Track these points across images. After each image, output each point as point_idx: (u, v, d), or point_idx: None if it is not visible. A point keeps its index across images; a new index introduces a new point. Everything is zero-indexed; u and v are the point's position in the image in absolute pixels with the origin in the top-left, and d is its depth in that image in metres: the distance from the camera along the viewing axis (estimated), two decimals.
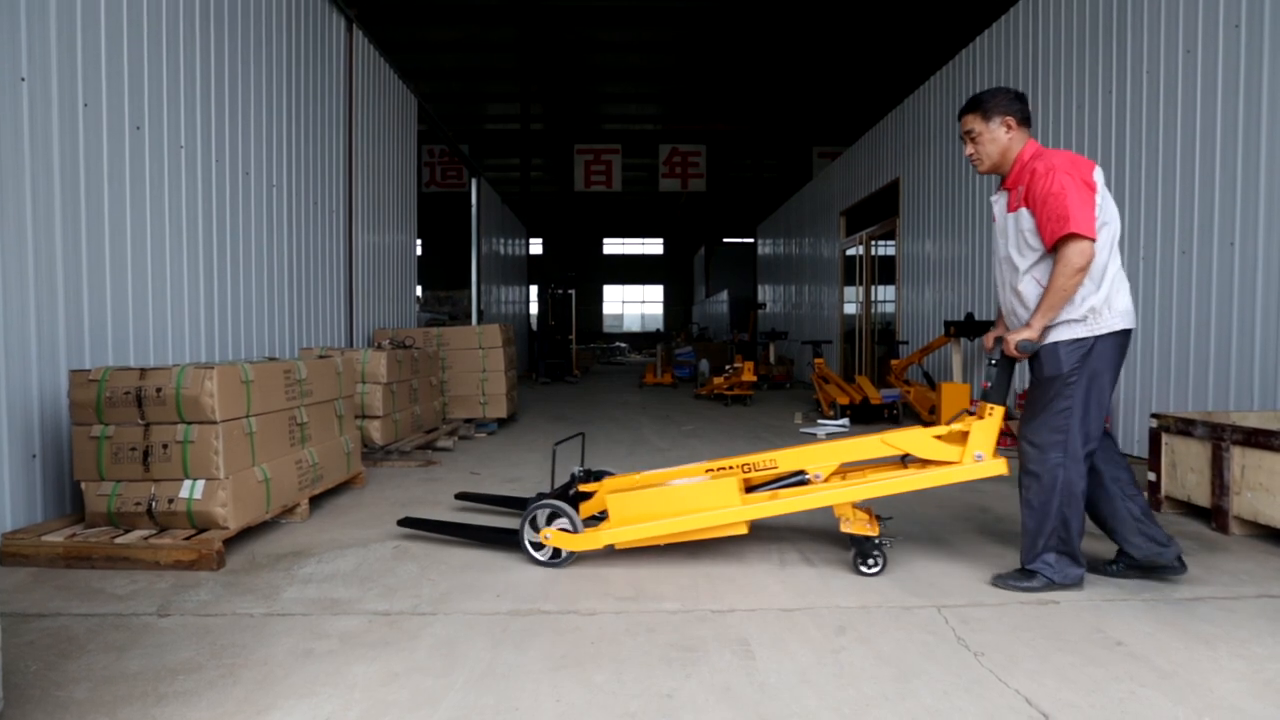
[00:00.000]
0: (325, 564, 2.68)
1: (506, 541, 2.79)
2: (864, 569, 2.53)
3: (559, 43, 14.72)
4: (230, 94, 4.38)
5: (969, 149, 2.48)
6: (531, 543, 2.69)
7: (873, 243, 9.92)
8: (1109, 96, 5.21)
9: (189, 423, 2.77)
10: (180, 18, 3.89)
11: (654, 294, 29.92)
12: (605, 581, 2.49)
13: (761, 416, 7.42)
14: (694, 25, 14.00)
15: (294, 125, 5.17)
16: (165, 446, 2.76)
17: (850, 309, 10.82)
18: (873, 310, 9.99)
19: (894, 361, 7.38)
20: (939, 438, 2.48)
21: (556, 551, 2.65)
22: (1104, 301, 2.28)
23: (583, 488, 2.88)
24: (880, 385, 7.80)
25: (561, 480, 3.68)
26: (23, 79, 2.90)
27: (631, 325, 30.08)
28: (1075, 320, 2.29)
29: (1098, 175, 2.30)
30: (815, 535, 3.07)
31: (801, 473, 2.62)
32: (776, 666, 1.87)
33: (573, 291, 13.82)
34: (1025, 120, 2.41)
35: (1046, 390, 2.33)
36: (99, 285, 3.30)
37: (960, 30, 8.61)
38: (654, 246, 29.38)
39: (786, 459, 2.61)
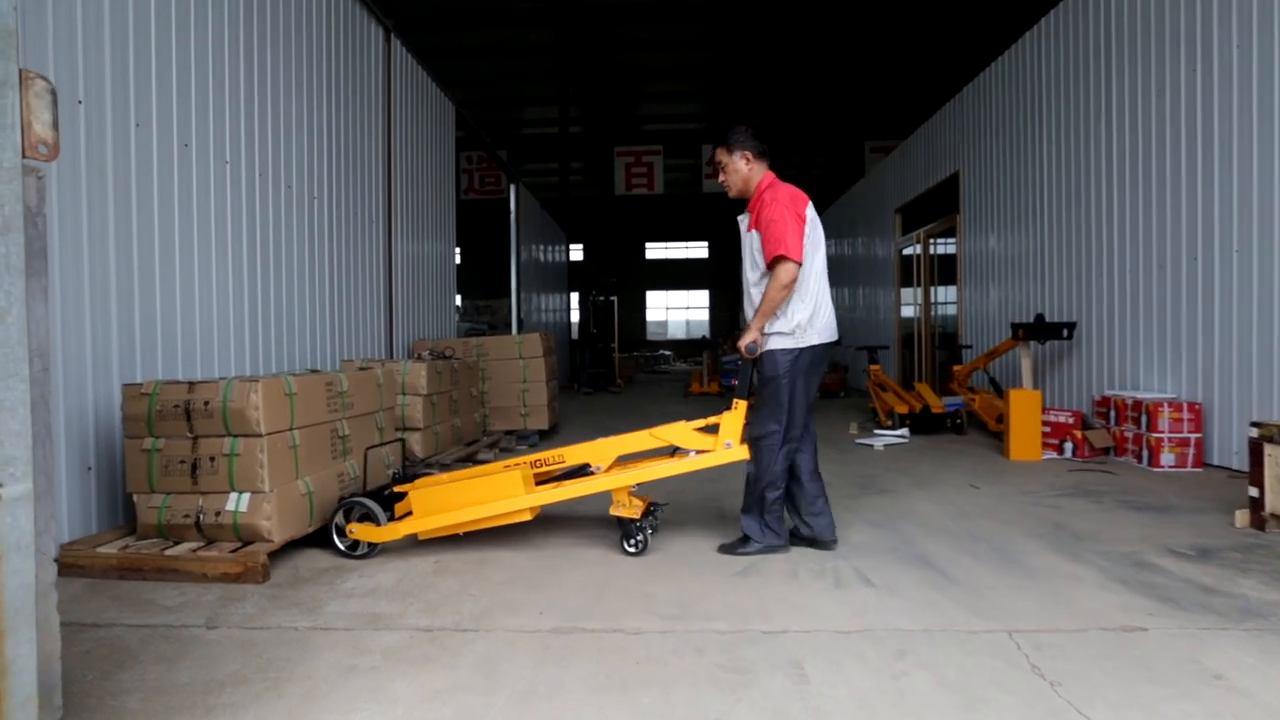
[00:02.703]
0: (367, 578, 2.76)
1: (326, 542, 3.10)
2: (627, 548, 2.98)
3: (596, 43, 14.90)
4: (273, 108, 4.58)
5: (720, 177, 3.12)
6: (343, 542, 3.02)
7: (931, 241, 9.71)
8: (1193, 77, 4.99)
9: (235, 435, 2.89)
10: (225, 35, 4.09)
11: (699, 299, 29.85)
12: (650, 600, 2.50)
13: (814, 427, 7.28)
14: (734, 17, 13.98)
15: (334, 137, 5.37)
16: (212, 459, 2.89)
17: (908, 312, 10.62)
18: (932, 313, 9.78)
19: (956, 367, 7.20)
20: (698, 429, 3.01)
21: (366, 544, 3.00)
22: (808, 319, 2.88)
23: (398, 488, 3.17)
24: (942, 393, 7.62)
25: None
26: (80, 101, 3.09)
27: (676, 332, 30.04)
28: (785, 333, 2.88)
29: (809, 211, 2.93)
30: (876, 554, 3.01)
31: (586, 465, 3.09)
32: (832, 691, 1.84)
33: (615, 298, 13.91)
34: (761, 155, 3.04)
35: (765, 388, 2.93)
36: (149, 300, 3.48)
37: (1023, 12, 8.39)
38: (698, 250, 29.34)
39: (573, 454, 3.11)
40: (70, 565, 2.75)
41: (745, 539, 2.97)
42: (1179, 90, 5.11)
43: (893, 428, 6.60)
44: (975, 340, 8.19)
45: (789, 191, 2.93)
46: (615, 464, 3.12)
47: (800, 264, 2.82)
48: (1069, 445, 5.29)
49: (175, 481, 2.92)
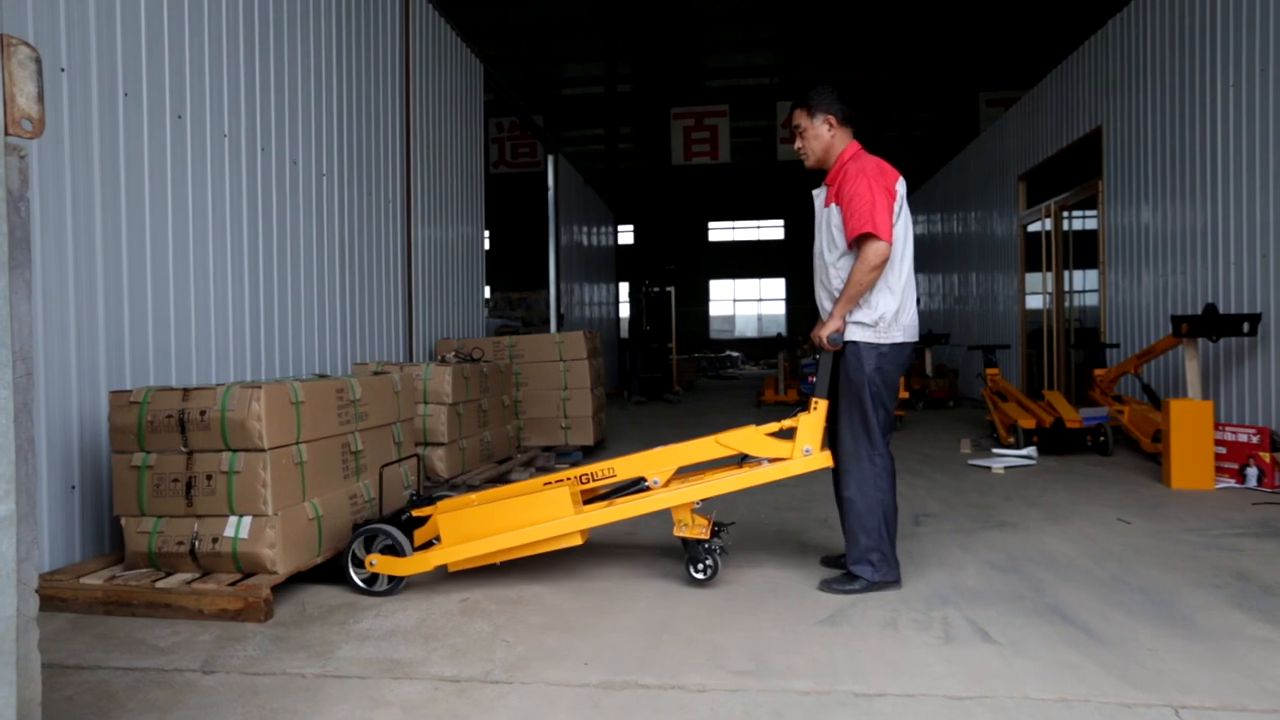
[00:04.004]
0: (384, 618, 2.83)
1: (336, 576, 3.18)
2: (695, 574, 3.09)
3: None
4: (276, 74, 4.76)
5: (796, 143, 3.23)
6: (360, 575, 3.10)
7: (1065, 214, 9.42)
8: None
9: (235, 450, 3.00)
10: None
11: (773, 289, 29.62)
12: (717, 650, 2.49)
13: (916, 444, 7.18)
14: None
15: (345, 104, 5.54)
16: (209, 478, 3.01)
17: (1035, 302, 10.35)
18: (1066, 303, 9.48)
19: (1098, 371, 6.95)
20: (770, 435, 3.11)
21: (387, 579, 3.08)
22: (894, 313, 3.00)
23: (417, 512, 3.24)
24: (1080, 403, 7.36)
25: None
26: (62, 69, 3.27)
27: (746, 329, 29.89)
28: (867, 324, 3.00)
29: (900, 186, 3.05)
30: (995, 603, 2.94)
31: (640, 479, 3.20)
32: None
33: (671, 289, 13.93)
34: (847, 120, 3.15)
35: (849, 390, 3.04)
36: (140, 294, 3.65)
37: None
38: (772, 230, 29.13)
39: (624, 466, 3.21)
40: (51, 598, 2.90)
41: (851, 575, 3.04)
42: None
43: (1016, 446, 6.46)
44: (1123, 337, 7.89)
45: (876, 163, 3.06)
46: (674, 477, 3.21)
47: (891, 244, 2.93)
48: (1253, 471, 5.04)
49: (168, 503, 3.05)
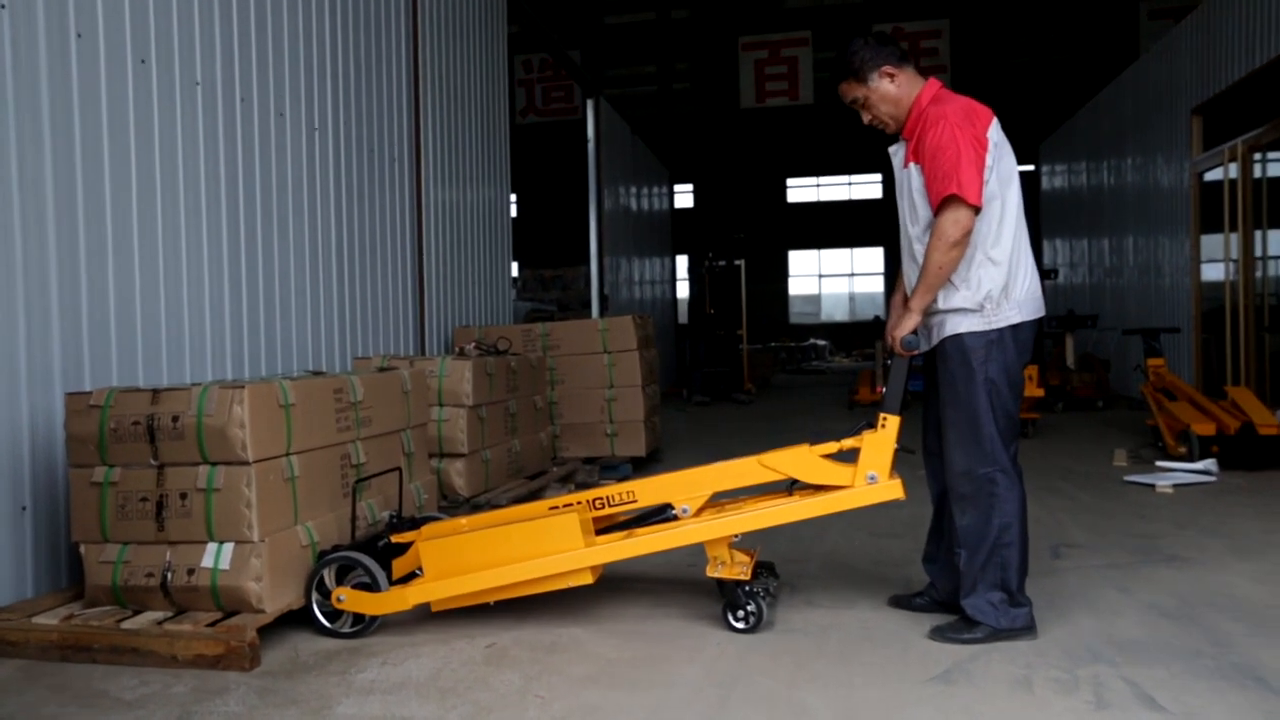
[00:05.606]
0: (392, 667, 2.87)
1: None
2: (734, 622, 3.08)
3: None
4: (257, 9, 4.84)
5: (865, 117, 3.22)
6: (324, 612, 3.16)
7: (1256, 157, 9.11)
8: None
9: (213, 464, 3.07)
10: None
11: (868, 260, 29.29)
12: (801, 712, 2.47)
13: (1055, 455, 7.05)
14: None
15: (341, 45, 5.62)
16: (184, 496, 3.09)
17: (1213, 273, 10.08)
18: (1258, 273, 9.17)
19: None
20: (826, 457, 3.13)
21: (359, 618, 3.15)
22: (1002, 288, 2.95)
23: (397, 538, 3.30)
24: (1277, 403, 7.10)
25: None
26: (3, 6, 3.38)
27: (834, 310, 29.64)
28: (970, 309, 2.96)
29: (994, 132, 2.98)
30: (1163, 659, 2.87)
31: (667, 506, 3.23)
32: None
33: (741, 263, 13.86)
34: (904, 59, 3.11)
35: (956, 396, 3.01)
36: (100, 279, 3.76)
37: None
38: (867, 187, 28.76)
39: (646, 490, 3.27)
40: None
41: (969, 621, 3.00)
42: None
43: (1189, 458, 6.32)
44: None
45: (962, 105, 3.02)
46: (708, 505, 3.24)
47: (978, 209, 2.88)
48: None
49: (135, 527, 3.13)
